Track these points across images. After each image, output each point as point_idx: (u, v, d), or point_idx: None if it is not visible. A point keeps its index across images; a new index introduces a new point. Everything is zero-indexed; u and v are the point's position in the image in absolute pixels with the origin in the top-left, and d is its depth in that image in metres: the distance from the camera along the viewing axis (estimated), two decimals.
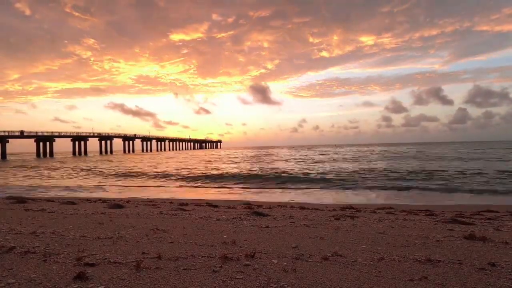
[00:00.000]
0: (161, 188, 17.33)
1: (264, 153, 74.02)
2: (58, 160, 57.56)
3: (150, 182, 20.22)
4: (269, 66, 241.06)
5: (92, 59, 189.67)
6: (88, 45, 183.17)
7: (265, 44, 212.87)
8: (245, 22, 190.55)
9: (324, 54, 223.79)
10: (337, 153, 59.50)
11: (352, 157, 43.98)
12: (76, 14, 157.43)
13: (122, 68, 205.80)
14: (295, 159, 43.93)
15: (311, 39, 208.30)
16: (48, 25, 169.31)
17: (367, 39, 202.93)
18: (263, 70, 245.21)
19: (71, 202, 9.14)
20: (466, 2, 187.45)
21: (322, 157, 47.45)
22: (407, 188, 14.75)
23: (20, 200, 9.53)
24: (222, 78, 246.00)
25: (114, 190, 16.34)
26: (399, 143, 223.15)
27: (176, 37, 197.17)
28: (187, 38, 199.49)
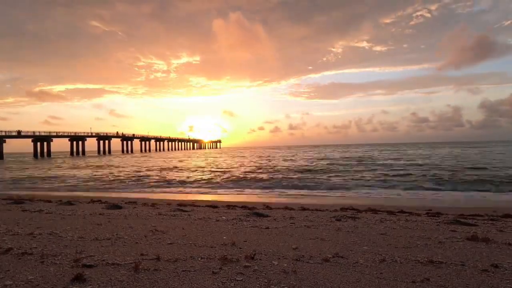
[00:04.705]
0: None
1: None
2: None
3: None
4: (272, 67, 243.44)
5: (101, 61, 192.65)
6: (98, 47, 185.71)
7: (269, 49, 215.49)
8: (249, 29, 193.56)
9: (326, 57, 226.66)
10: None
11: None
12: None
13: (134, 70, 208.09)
14: None
15: (314, 45, 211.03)
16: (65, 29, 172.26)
17: (368, 45, 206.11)
18: (265, 71, 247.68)
19: (69, 202, 9.08)
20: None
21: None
22: None
23: (18, 201, 9.46)
24: (226, 80, 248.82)
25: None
26: (402, 143, 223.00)
27: (185, 42, 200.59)
28: (196, 43, 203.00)
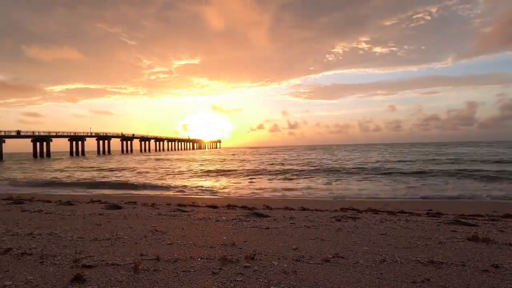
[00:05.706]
0: None
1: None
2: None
3: None
4: (273, 67, 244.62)
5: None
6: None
7: (271, 50, 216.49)
8: (251, 31, 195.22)
9: (327, 58, 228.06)
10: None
11: None
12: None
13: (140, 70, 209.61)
14: None
15: (315, 45, 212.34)
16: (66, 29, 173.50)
17: (368, 46, 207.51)
18: (266, 72, 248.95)
19: (68, 203, 9.06)
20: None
21: None
22: None
23: (17, 201, 9.45)
24: (226, 80, 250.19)
25: None
26: (403, 143, 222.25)
27: (186, 43, 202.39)
28: (197, 44, 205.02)
